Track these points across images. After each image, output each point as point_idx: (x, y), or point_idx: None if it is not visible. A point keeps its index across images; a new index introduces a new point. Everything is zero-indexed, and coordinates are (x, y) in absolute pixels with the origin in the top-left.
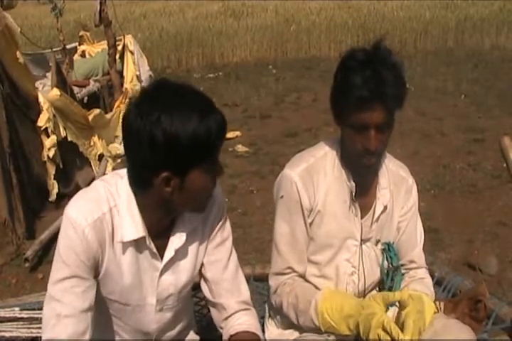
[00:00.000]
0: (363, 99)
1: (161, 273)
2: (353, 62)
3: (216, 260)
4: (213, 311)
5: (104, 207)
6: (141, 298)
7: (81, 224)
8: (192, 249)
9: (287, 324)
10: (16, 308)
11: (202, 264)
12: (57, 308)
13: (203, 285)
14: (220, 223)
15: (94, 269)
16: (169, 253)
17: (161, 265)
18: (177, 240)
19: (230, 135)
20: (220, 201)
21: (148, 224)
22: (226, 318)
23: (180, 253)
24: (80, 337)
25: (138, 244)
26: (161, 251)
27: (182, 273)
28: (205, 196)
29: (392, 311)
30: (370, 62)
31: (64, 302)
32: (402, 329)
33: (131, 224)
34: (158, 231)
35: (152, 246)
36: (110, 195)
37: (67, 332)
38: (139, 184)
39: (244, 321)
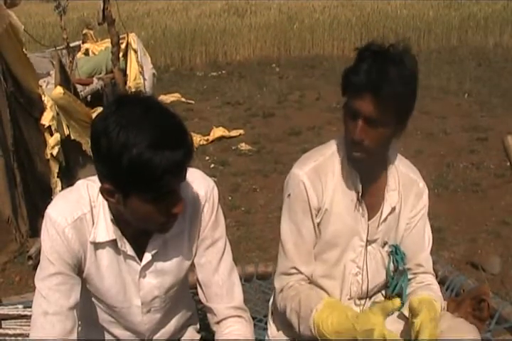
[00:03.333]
0: (357, 86)
1: (143, 276)
2: (366, 52)
3: (207, 261)
4: (208, 314)
5: (85, 207)
6: (126, 300)
7: (61, 224)
8: (176, 252)
9: (289, 323)
10: (20, 306)
11: (194, 265)
12: (43, 305)
13: (198, 287)
14: (211, 224)
15: (78, 268)
16: (146, 257)
17: (139, 268)
18: (155, 244)
19: (233, 133)
20: (212, 201)
21: (124, 226)
22: (217, 323)
23: (162, 256)
24: (68, 335)
25: (115, 246)
26: (142, 253)
27: (167, 277)
28: (152, 223)
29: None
30: (380, 54)
31: (50, 300)
32: (416, 337)
33: (104, 226)
34: (137, 233)
35: (127, 248)
36: (92, 195)
37: (56, 330)
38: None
39: (234, 330)
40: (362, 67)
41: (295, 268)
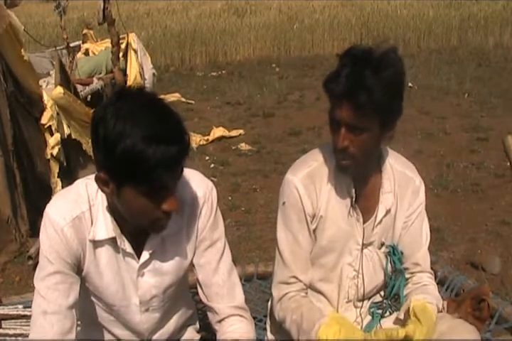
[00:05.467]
0: (335, 94)
1: (141, 275)
2: (346, 58)
3: (206, 262)
4: (208, 313)
5: (84, 205)
6: (125, 298)
7: (59, 223)
8: (174, 251)
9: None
10: (20, 306)
11: (194, 265)
12: (42, 305)
13: (198, 287)
14: (209, 225)
15: (77, 266)
16: (144, 255)
17: (137, 266)
18: (153, 242)
19: (233, 133)
20: (211, 203)
21: (122, 223)
22: (219, 321)
23: (160, 255)
24: (66, 335)
25: (114, 244)
26: (140, 252)
27: (166, 276)
28: (145, 219)
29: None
30: (360, 59)
31: (49, 300)
32: None
33: (103, 224)
34: (136, 231)
35: (126, 246)
36: (91, 194)
37: (54, 330)
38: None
39: (237, 328)
40: (340, 74)
41: (294, 276)
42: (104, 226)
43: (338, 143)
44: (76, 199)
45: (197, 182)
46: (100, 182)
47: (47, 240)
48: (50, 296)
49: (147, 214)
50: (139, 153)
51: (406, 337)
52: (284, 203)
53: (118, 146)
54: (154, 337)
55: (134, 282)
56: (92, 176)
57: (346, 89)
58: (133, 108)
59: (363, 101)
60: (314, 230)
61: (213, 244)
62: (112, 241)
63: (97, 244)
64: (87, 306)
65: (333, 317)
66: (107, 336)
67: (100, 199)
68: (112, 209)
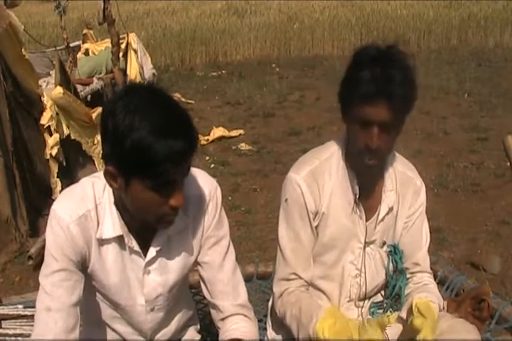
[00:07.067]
0: (369, 94)
1: (147, 273)
2: (365, 58)
3: (211, 260)
4: (211, 311)
5: (90, 203)
6: (130, 297)
7: (65, 221)
8: (180, 248)
9: (287, 327)
10: (20, 306)
11: (198, 263)
12: (46, 301)
13: (202, 285)
14: (215, 223)
15: (82, 264)
16: (151, 252)
17: (143, 264)
18: (159, 240)
19: (233, 133)
20: (216, 201)
21: (129, 221)
22: (222, 319)
23: (166, 253)
24: (70, 332)
25: (121, 242)
26: (146, 250)
27: (171, 274)
28: (151, 214)
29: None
30: (380, 59)
31: (53, 297)
32: None
33: (110, 222)
34: (142, 229)
35: (133, 244)
36: (97, 192)
37: (58, 327)
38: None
39: (240, 327)
40: (365, 74)
41: (295, 273)
42: (112, 225)
43: (372, 143)
44: (82, 198)
45: (202, 180)
46: (109, 177)
47: (52, 237)
48: (55, 293)
49: (154, 209)
50: (147, 146)
51: (414, 329)
52: (286, 200)
53: (127, 139)
54: (157, 336)
55: (140, 280)
56: (98, 174)
57: (380, 88)
58: (141, 102)
59: (398, 98)
60: (316, 227)
61: (218, 242)
62: (119, 240)
63: (103, 242)
64: (90, 304)
65: (328, 311)
66: (110, 335)
67: (107, 198)
68: (118, 206)
